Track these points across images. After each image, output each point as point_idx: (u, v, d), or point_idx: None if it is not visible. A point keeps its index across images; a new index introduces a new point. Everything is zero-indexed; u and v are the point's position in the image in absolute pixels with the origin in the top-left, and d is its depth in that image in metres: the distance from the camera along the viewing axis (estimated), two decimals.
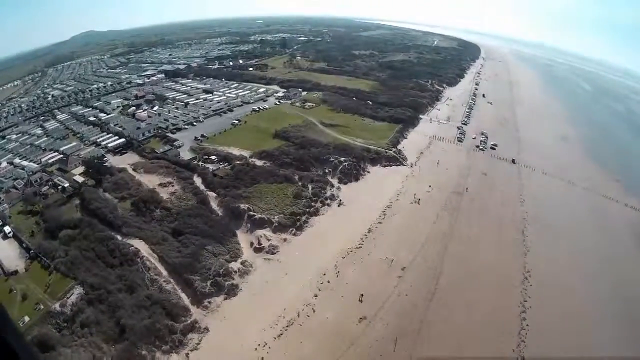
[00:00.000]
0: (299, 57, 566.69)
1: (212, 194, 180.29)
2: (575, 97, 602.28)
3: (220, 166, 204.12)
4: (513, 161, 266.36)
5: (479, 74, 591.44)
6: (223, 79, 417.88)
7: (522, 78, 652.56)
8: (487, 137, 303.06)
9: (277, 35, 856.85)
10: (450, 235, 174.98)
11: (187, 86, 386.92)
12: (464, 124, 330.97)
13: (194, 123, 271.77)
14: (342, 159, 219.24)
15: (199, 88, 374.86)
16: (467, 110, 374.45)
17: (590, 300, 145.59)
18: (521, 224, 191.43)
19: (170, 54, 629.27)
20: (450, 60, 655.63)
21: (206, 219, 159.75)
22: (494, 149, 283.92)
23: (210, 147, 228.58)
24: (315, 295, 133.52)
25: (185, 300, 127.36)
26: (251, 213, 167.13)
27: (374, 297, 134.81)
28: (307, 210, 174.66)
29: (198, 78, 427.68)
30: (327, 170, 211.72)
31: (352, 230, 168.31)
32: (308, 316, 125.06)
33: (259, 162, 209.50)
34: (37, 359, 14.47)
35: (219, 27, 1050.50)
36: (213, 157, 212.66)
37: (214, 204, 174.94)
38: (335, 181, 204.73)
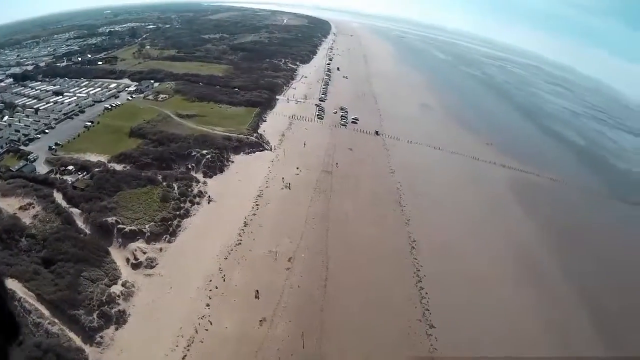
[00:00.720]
0: (148, 46, 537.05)
1: (76, 211, 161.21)
2: (431, 65, 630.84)
3: (79, 177, 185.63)
4: (377, 133, 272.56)
5: (331, 49, 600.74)
6: (73, 78, 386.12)
7: (376, 51, 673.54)
8: (347, 111, 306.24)
9: (126, 25, 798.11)
10: (328, 216, 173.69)
11: (36, 89, 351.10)
12: (322, 101, 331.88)
13: (46, 130, 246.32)
14: (205, 151, 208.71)
15: (48, 90, 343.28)
16: (323, 86, 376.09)
17: (479, 256, 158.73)
18: (396, 194, 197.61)
19: (18, 55, 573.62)
20: (302, 38, 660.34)
21: (75, 241, 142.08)
22: (356, 123, 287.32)
23: (66, 156, 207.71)
24: (208, 305, 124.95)
25: (77, 340, 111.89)
26: (120, 226, 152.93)
27: (267, 295, 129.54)
28: (177, 213, 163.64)
29: (47, 79, 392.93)
30: (190, 166, 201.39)
31: (227, 227, 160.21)
32: (207, 330, 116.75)
33: (118, 167, 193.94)
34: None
35: (67, 20, 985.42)
36: (70, 168, 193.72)
37: (79, 222, 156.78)
38: (200, 176, 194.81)
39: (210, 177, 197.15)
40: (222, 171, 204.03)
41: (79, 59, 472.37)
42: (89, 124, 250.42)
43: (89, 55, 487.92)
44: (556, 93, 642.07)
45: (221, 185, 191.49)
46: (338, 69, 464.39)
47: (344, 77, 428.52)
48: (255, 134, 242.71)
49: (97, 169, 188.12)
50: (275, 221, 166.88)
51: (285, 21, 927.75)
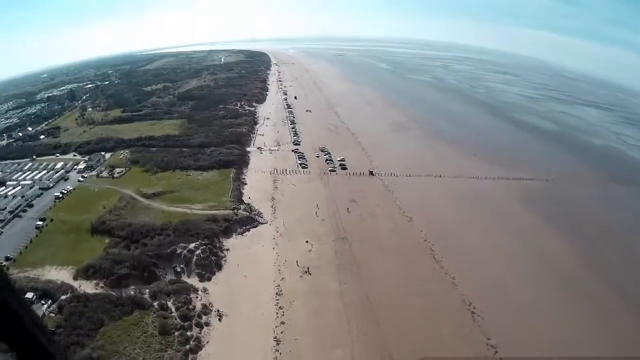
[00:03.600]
0: (90, 109, 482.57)
1: None
2: (381, 79, 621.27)
3: (45, 310, 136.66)
4: (371, 173, 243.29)
5: (280, 81, 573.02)
6: (15, 159, 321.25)
7: (323, 75, 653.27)
8: (329, 152, 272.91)
9: (64, 88, 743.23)
10: (369, 302, 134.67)
11: None
12: (297, 144, 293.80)
13: None
14: (192, 245, 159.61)
15: None
16: (291, 127, 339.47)
17: (541, 291, 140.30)
18: (426, 248, 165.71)
19: None
20: (246, 74, 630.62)
21: None
22: (344, 164, 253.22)
23: (21, 275, 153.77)
24: None
25: None
26: None
27: None
28: (187, 347, 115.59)
29: None
30: (178, 269, 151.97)
31: (255, 351, 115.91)
32: None
33: (89, 287, 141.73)
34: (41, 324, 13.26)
35: (4, 90, 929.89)
36: (30, 295, 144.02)
37: None
38: (195, 281, 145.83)
39: (209, 279, 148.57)
40: (219, 268, 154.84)
41: (20, 134, 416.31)
42: (41, 223, 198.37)
43: (30, 129, 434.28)
44: (506, 81, 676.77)
45: (226, 289, 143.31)
46: (296, 97, 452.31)
47: (307, 110, 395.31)
48: (242, 206, 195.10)
49: (64, 296, 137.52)
50: (312, 327, 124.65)
51: (222, 60, 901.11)
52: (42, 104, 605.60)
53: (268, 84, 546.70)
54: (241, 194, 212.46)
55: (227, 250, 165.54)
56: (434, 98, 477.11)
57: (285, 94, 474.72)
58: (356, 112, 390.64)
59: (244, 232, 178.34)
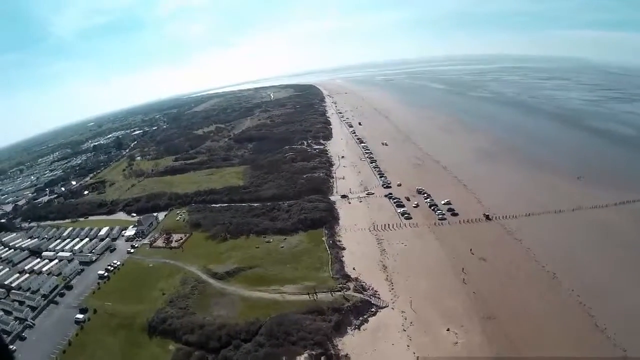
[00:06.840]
0: (138, 158, 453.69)
1: None
2: (441, 100, 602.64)
3: None
4: (487, 217, 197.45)
5: (340, 113, 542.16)
6: (55, 219, 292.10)
7: (381, 102, 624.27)
8: (428, 194, 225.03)
9: (111, 135, 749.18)
10: None
11: (10, 247, 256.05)
12: (388, 187, 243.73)
13: (23, 334, 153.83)
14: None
15: (24, 248, 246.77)
16: (372, 165, 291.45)
17: None
18: (584, 314, 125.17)
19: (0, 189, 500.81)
20: (302, 109, 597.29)
21: None
22: (453, 210, 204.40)
23: None
24: None
25: None
26: None
27: None
28: None
29: (26, 224, 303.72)
30: None
31: None
32: None
33: None
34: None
35: (52, 140, 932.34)
36: None
37: None
38: None
39: None
40: None
41: (62, 188, 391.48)
42: (82, 316, 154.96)
43: (74, 182, 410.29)
44: (560, 87, 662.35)
45: None
46: (360, 123, 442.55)
47: (383, 144, 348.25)
48: (351, 284, 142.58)
49: None
50: None
51: (272, 96, 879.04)
52: (88, 154, 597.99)
53: (328, 117, 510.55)
54: (343, 265, 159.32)
55: (347, 357, 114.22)
56: (503, 115, 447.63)
57: (351, 126, 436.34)
58: (434, 140, 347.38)
59: (361, 324, 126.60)
